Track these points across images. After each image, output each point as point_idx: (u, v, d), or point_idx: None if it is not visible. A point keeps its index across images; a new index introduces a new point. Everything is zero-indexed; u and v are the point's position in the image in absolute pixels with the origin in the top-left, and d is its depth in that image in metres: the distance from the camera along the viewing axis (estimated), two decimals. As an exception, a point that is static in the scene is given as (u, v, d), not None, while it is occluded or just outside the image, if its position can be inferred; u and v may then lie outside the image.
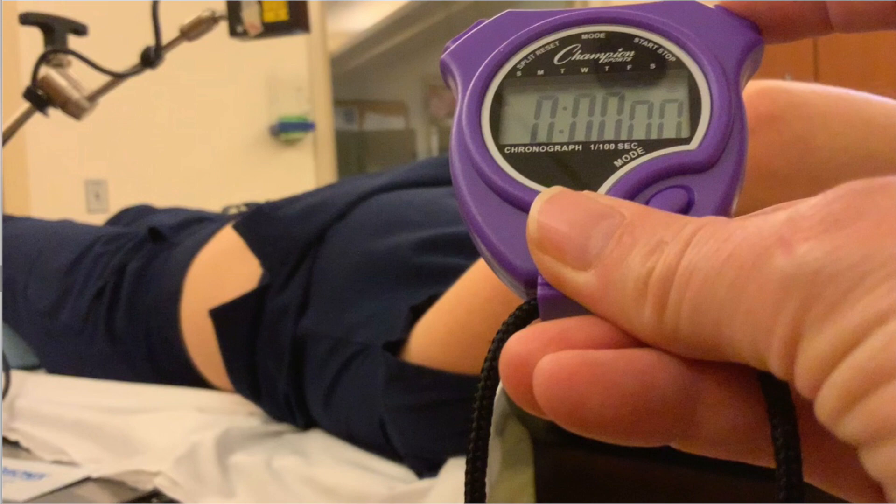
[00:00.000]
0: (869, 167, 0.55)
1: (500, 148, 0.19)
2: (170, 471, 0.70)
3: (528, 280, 0.18)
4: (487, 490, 0.65)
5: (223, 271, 0.96)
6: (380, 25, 5.06)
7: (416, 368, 0.69)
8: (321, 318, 0.83)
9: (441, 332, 0.69)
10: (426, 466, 0.72)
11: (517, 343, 0.15)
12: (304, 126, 3.09)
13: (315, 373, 0.82)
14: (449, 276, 0.71)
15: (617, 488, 0.54)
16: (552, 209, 0.16)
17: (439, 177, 1.02)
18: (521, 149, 0.19)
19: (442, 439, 0.70)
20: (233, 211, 1.51)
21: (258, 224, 0.95)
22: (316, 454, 0.79)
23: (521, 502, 0.62)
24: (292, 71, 3.06)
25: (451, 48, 0.22)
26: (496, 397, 0.20)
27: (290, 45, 2.92)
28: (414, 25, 5.03)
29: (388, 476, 0.73)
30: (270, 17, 0.99)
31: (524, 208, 0.18)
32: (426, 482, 0.69)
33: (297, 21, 0.99)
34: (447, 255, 0.81)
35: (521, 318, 0.17)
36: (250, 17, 0.99)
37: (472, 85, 0.20)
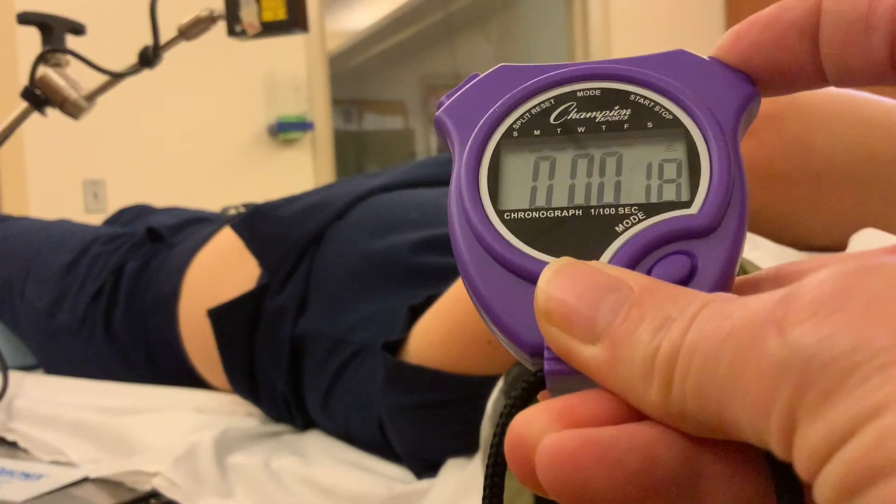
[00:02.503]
0: (869, 167, 0.55)
1: (500, 214, 0.19)
2: (168, 471, 0.70)
3: (533, 351, 0.17)
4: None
5: (221, 271, 0.96)
6: (378, 25, 5.06)
7: (414, 369, 0.69)
8: (320, 318, 0.83)
9: (440, 333, 0.69)
10: (425, 467, 0.72)
11: (520, 424, 0.15)
12: (303, 126, 3.08)
13: (314, 373, 0.82)
14: (448, 276, 0.71)
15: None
16: (561, 281, 0.16)
17: (438, 176, 1.02)
18: (521, 214, 0.19)
19: (441, 439, 0.70)
20: (231, 211, 1.51)
21: (257, 224, 0.95)
22: (315, 454, 0.79)
23: (521, 502, 0.61)
24: (291, 70, 3.05)
25: (446, 105, 0.21)
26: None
27: (289, 45, 2.92)
28: (413, 25, 5.03)
29: (386, 476, 0.73)
30: (269, 16, 0.99)
31: (527, 277, 0.18)
32: (425, 482, 0.69)
33: (295, 20, 0.99)
34: (446, 255, 0.81)
35: (527, 391, 0.17)
36: (248, 16, 0.99)
37: (468, 147, 0.20)
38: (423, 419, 0.70)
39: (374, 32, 5.11)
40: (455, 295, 0.69)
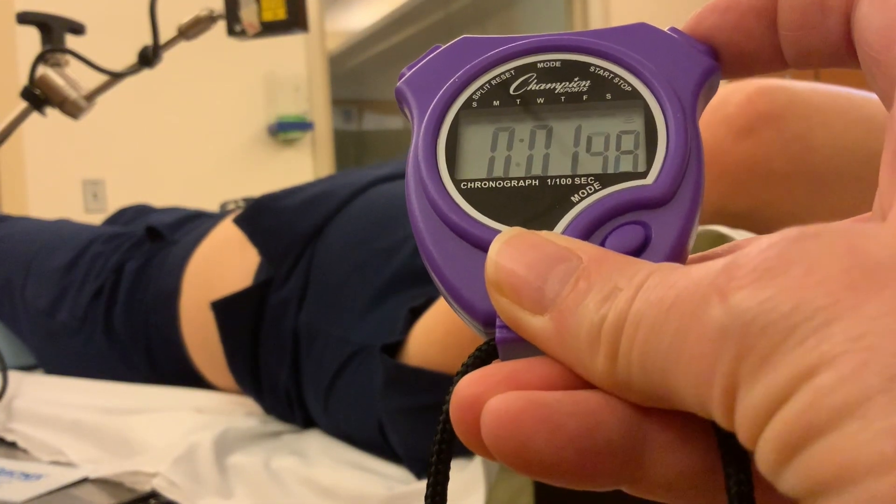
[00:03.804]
0: (870, 167, 0.55)
1: (457, 183, 0.19)
2: (168, 471, 0.70)
3: (486, 320, 0.17)
4: (486, 490, 0.64)
5: (222, 265, 0.96)
6: (378, 25, 5.06)
7: (414, 371, 0.69)
8: (318, 313, 0.83)
9: (439, 334, 0.69)
10: (425, 467, 0.71)
11: (466, 385, 0.15)
12: (303, 126, 3.09)
13: (313, 370, 0.82)
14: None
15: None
16: (510, 251, 0.16)
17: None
18: (478, 184, 0.19)
19: (441, 440, 0.70)
20: (230, 206, 1.51)
21: (259, 216, 0.95)
22: (314, 455, 0.79)
23: (521, 502, 0.61)
24: (291, 70, 3.06)
25: (407, 76, 0.21)
26: None
27: (289, 45, 2.92)
28: (412, 25, 5.03)
29: (386, 477, 0.73)
30: (269, 16, 0.99)
31: (482, 247, 0.18)
32: (425, 483, 0.68)
33: (295, 20, 0.99)
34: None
35: (479, 359, 0.17)
36: (248, 16, 0.99)
37: (427, 117, 0.20)
38: (422, 421, 0.70)
39: (374, 32, 5.11)
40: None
